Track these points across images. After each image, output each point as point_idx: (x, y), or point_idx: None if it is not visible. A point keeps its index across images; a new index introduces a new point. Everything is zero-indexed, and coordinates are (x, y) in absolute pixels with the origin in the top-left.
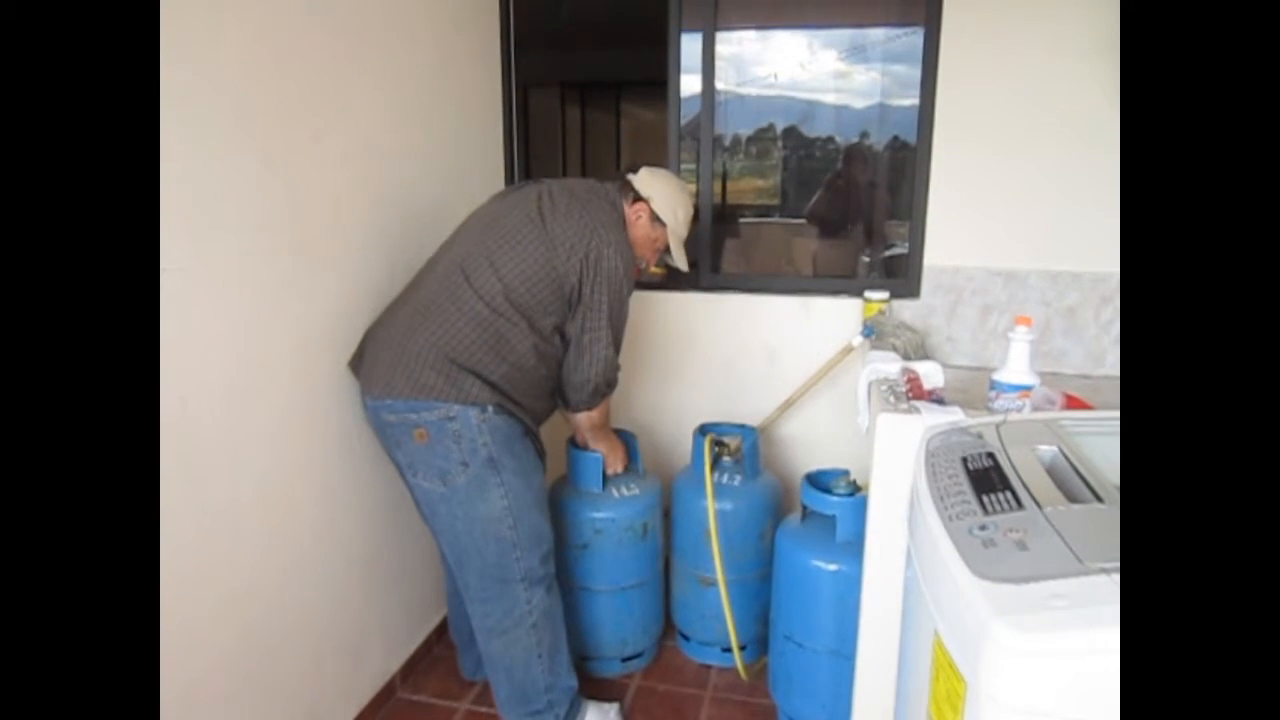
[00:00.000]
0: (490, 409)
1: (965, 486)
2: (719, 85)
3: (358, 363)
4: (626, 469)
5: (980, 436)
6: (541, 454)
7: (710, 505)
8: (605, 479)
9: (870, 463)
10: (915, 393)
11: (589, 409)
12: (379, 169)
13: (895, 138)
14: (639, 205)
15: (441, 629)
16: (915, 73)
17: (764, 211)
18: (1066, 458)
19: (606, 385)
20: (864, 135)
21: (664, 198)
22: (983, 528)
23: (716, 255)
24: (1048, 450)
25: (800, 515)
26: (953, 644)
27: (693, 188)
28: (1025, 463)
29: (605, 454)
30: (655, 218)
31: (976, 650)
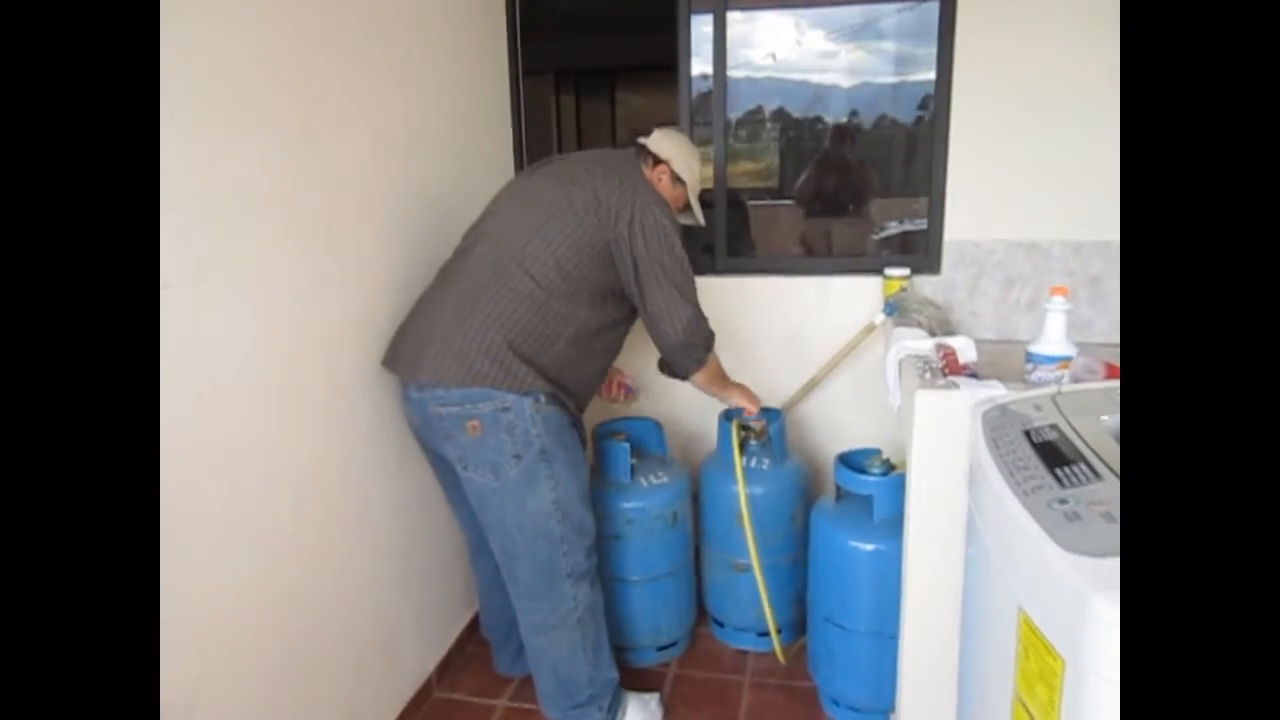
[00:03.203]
0: (543, 398)
1: (1033, 460)
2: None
3: (394, 358)
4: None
5: (1039, 408)
6: (585, 443)
7: (741, 490)
8: (634, 469)
9: (908, 440)
10: (952, 368)
11: (699, 369)
12: (399, 160)
13: (884, 116)
14: (660, 168)
15: (474, 626)
16: (920, 50)
17: (760, 195)
18: None
19: (703, 340)
20: (854, 114)
21: (681, 156)
22: (1063, 501)
23: (733, 238)
24: (1113, 420)
25: (835, 496)
26: (1044, 622)
27: (708, 171)
28: (1093, 433)
29: (737, 403)
30: (676, 177)
31: (1077, 627)
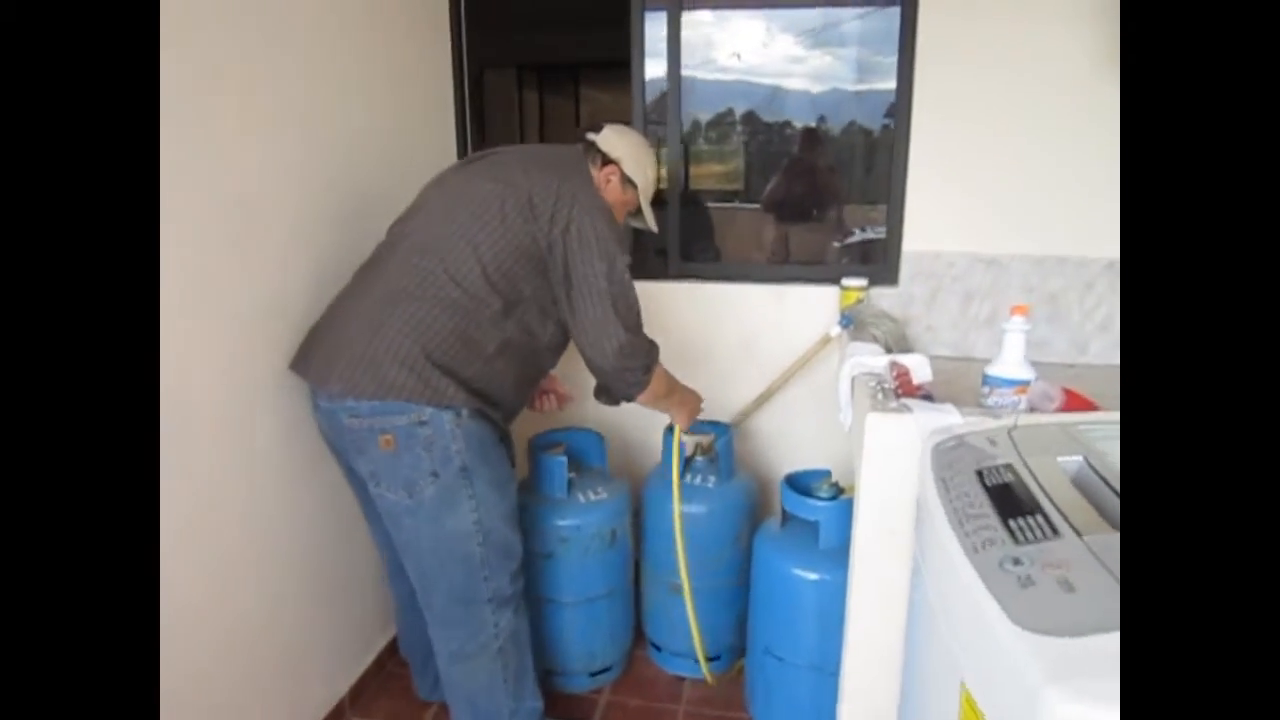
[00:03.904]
0: (465, 413)
1: (986, 507)
2: (681, 70)
3: (304, 363)
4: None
5: (993, 443)
6: (514, 460)
7: (676, 507)
8: (571, 484)
9: (856, 464)
10: (905, 389)
11: (639, 392)
12: (320, 150)
13: (852, 122)
14: (608, 169)
15: (394, 645)
16: (881, 57)
17: (726, 197)
18: (1095, 470)
19: (639, 362)
20: (822, 119)
21: (633, 157)
22: (1016, 561)
23: (686, 242)
24: (1072, 461)
25: (780, 519)
26: (988, 704)
27: (663, 173)
28: (1050, 477)
29: (675, 419)
30: (626, 180)
31: (1027, 718)
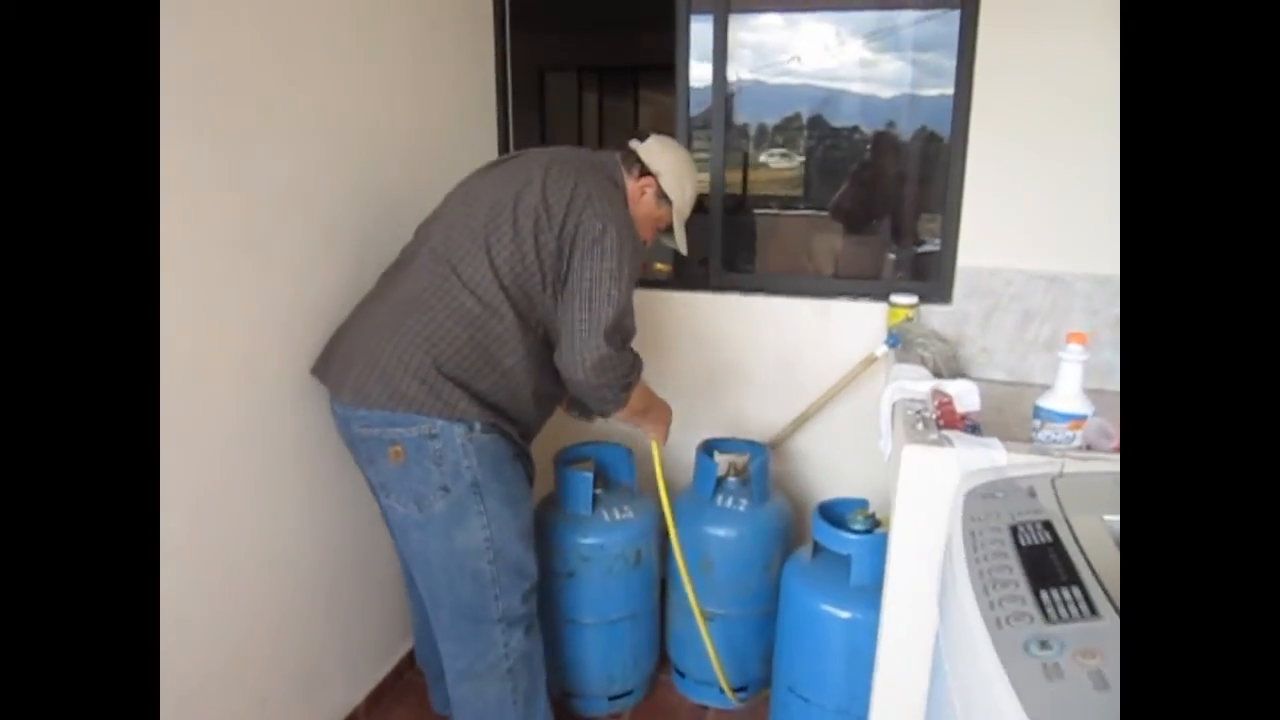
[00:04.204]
0: (478, 426)
1: (1017, 572)
2: (739, 73)
3: (324, 367)
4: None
5: (1033, 494)
6: (531, 477)
7: (671, 527)
8: (596, 500)
9: (892, 498)
10: (947, 419)
11: (615, 409)
12: (347, 150)
13: (923, 127)
14: (645, 180)
15: (414, 654)
16: (945, 61)
17: (787, 203)
18: None
19: (617, 379)
20: (890, 124)
21: (673, 173)
22: (1044, 644)
23: (729, 251)
24: (1118, 522)
25: (811, 550)
26: None
27: (704, 177)
28: (1094, 540)
29: (649, 432)
30: (661, 194)
31: None
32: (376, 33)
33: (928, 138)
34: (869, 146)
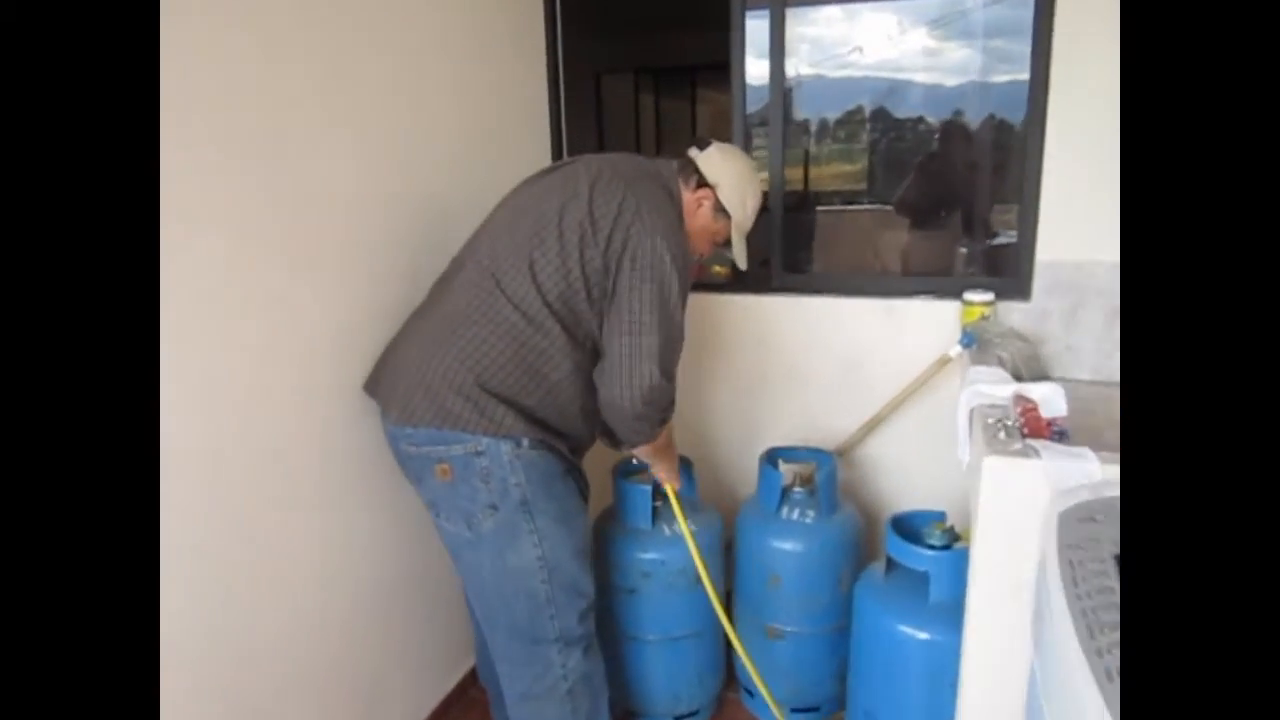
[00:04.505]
0: (526, 443)
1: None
2: (798, 68)
3: (374, 384)
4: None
5: None
6: (585, 492)
7: (689, 540)
8: (656, 514)
9: (973, 511)
10: (1031, 428)
11: (644, 443)
12: (395, 159)
13: (992, 115)
14: (702, 192)
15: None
16: (1013, 45)
17: (850, 198)
18: None
19: (658, 412)
20: (958, 113)
21: (733, 185)
22: None
23: (790, 251)
24: None
25: (885, 566)
26: None
27: (763, 174)
28: None
29: (658, 472)
30: (719, 207)
31: None
32: (427, 36)
33: (998, 126)
34: (935, 137)
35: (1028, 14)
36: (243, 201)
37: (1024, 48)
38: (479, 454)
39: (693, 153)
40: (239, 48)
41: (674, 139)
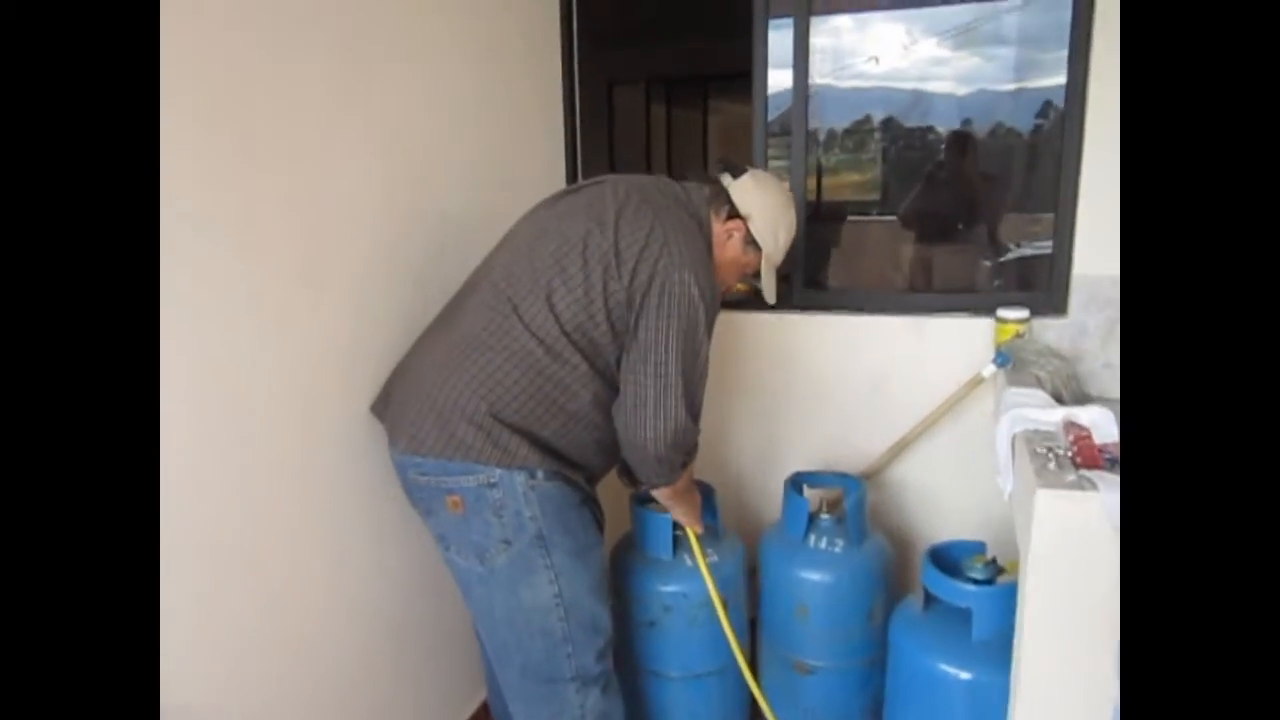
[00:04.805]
0: (541, 474)
1: None
2: (812, 78)
3: (383, 407)
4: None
5: None
6: (601, 522)
7: (706, 574)
8: (677, 543)
9: (1023, 546)
10: (1085, 458)
11: (666, 486)
12: (405, 171)
13: (999, 124)
14: (733, 223)
15: (487, 706)
16: (1039, 53)
17: (862, 209)
18: None
19: (682, 455)
20: (968, 121)
21: (766, 218)
22: None
23: (812, 267)
24: None
25: (922, 600)
26: None
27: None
28: None
29: (679, 516)
30: (750, 240)
31: None
32: (438, 48)
33: (1016, 134)
34: (943, 146)
35: (1052, 21)
36: (249, 211)
37: (1047, 55)
38: (492, 486)
39: (725, 180)
40: (248, 51)
41: (685, 150)
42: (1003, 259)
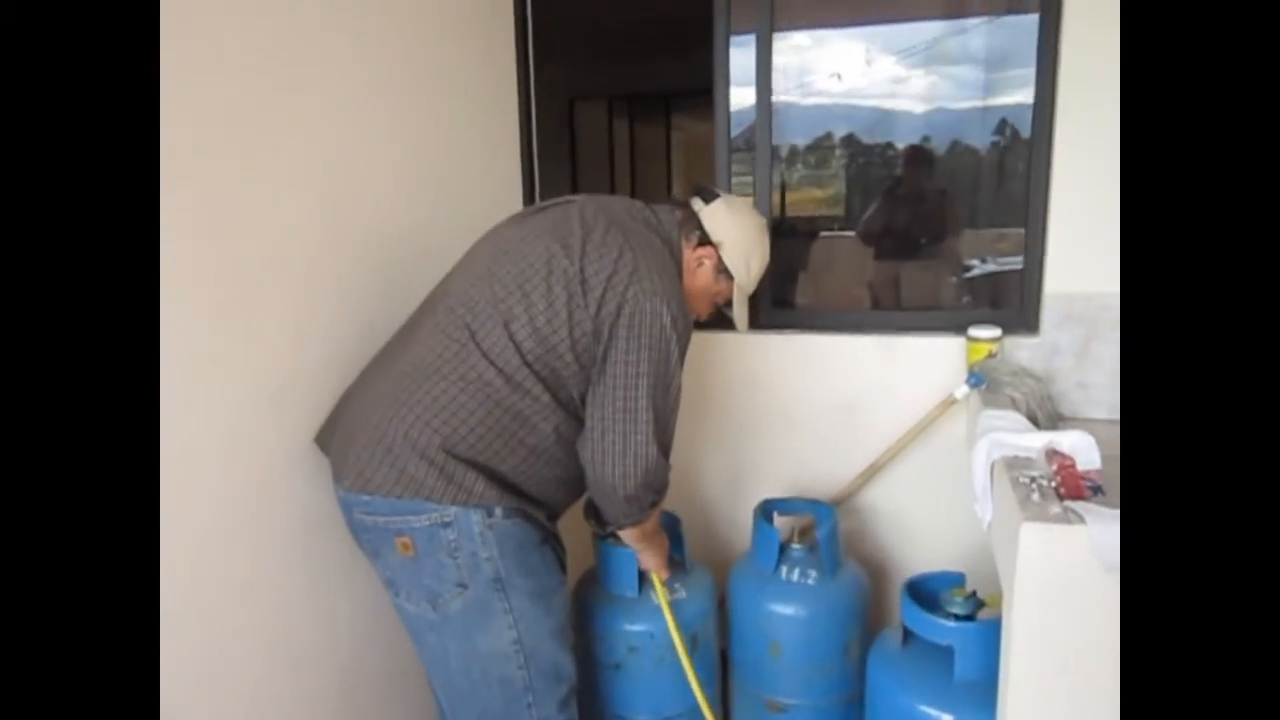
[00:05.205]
0: (499, 511)
1: None
2: (775, 94)
3: (328, 437)
4: (673, 568)
5: None
6: (563, 560)
7: (666, 611)
8: (643, 579)
9: (1006, 580)
10: (1069, 487)
11: (632, 525)
12: (347, 194)
13: (957, 141)
14: (704, 250)
15: None
16: (999, 72)
17: (826, 224)
18: None
19: (652, 494)
20: (926, 138)
21: (738, 244)
22: None
23: (780, 285)
24: None
25: (900, 636)
26: None
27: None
28: None
29: (646, 562)
30: (722, 268)
31: None
32: (383, 64)
33: (972, 150)
34: (901, 161)
35: (1013, 41)
36: (171, 233)
37: (1014, 73)
38: (445, 525)
39: (696, 205)
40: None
41: (649, 167)
42: (970, 275)
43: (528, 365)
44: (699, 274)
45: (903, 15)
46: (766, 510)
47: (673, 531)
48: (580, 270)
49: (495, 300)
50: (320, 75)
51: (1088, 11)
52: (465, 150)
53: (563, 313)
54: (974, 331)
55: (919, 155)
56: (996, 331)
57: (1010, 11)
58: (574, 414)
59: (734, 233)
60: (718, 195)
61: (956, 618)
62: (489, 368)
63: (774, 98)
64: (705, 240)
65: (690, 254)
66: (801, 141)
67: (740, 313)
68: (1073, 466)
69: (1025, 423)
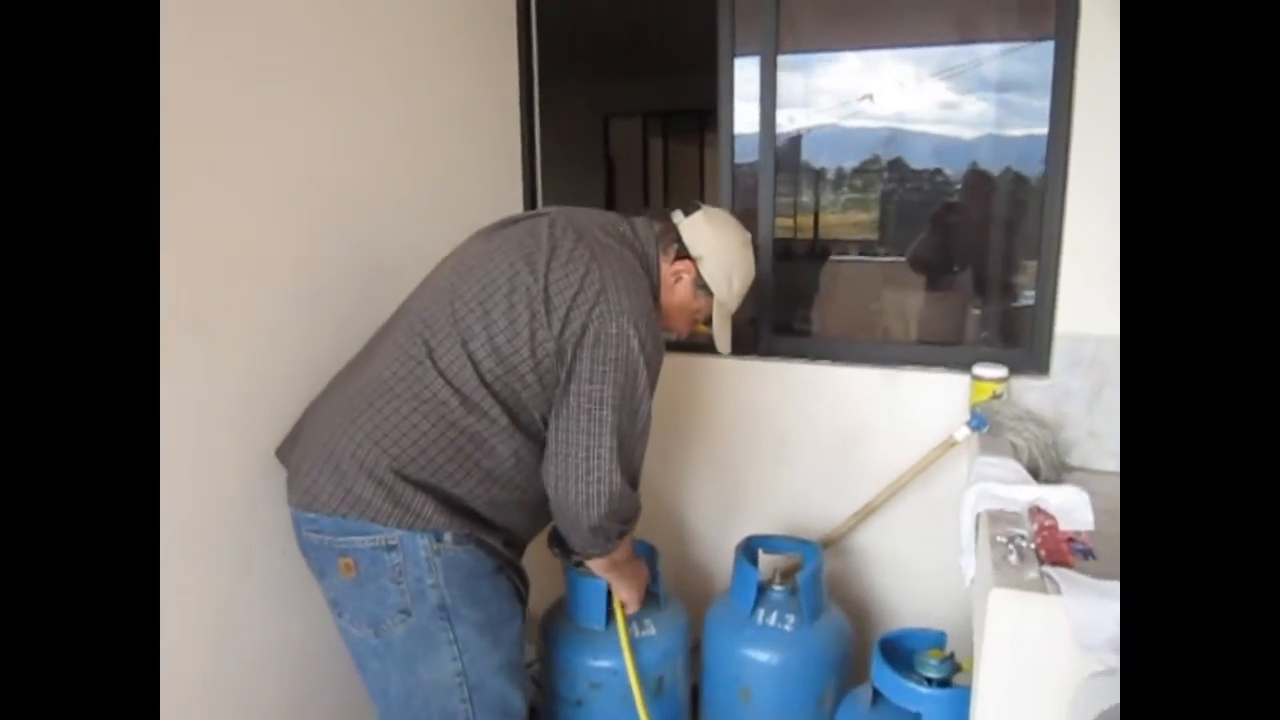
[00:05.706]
0: (448, 537)
1: None
2: (810, 117)
3: (287, 451)
4: (644, 603)
5: None
6: (523, 592)
7: (628, 657)
8: (611, 613)
9: (977, 645)
10: (1050, 550)
11: (603, 556)
12: (326, 209)
13: (1008, 169)
14: (683, 264)
15: None
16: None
17: (862, 249)
18: None
19: (619, 524)
20: (974, 165)
21: (719, 258)
22: None
23: (782, 309)
24: None
25: (870, 696)
26: None
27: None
28: None
29: (621, 593)
30: (701, 283)
31: None
32: (376, 66)
33: (1014, 179)
34: (958, 187)
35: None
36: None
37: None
38: (390, 548)
39: (676, 217)
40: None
41: (683, 182)
42: (1010, 306)
43: (486, 386)
44: (677, 289)
45: (914, 39)
46: (750, 548)
47: (649, 564)
48: (544, 288)
49: (455, 317)
50: (301, 95)
51: (1104, 42)
52: (462, 168)
53: (524, 332)
54: (979, 370)
55: (974, 182)
56: (1003, 371)
57: (1026, 39)
58: (535, 437)
59: (714, 246)
60: (698, 206)
61: (929, 681)
62: (445, 387)
63: (812, 121)
64: (684, 253)
65: (668, 268)
66: (849, 164)
67: (721, 333)
68: (1054, 527)
69: (1021, 472)
